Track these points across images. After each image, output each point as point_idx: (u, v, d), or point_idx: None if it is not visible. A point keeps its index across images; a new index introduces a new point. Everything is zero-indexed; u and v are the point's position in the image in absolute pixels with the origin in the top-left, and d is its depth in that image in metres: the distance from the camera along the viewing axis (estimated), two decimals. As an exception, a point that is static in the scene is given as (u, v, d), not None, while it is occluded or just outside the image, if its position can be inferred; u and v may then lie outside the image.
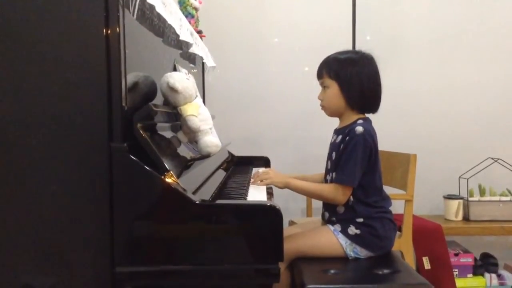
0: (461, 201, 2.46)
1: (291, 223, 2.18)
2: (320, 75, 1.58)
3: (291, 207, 2.49)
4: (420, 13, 2.62)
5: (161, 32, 1.36)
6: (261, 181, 1.55)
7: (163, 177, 1.01)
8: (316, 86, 1.63)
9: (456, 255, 2.35)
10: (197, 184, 1.24)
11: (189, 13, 1.73)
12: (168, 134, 1.24)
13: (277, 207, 1.04)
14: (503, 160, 2.49)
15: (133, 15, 1.08)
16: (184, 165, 1.20)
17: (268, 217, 1.04)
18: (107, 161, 1.00)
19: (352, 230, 1.48)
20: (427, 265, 2.22)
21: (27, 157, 1.01)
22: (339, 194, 1.47)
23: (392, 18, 2.62)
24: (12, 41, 1.00)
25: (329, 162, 1.62)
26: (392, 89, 2.41)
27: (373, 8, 2.62)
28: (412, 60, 2.63)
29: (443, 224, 2.31)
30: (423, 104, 2.63)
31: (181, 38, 1.36)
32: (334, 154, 1.57)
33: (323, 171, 1.73)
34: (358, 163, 1.45)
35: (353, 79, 1.50)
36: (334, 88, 1.53)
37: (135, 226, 1.01)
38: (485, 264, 2.44)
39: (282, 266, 1.38)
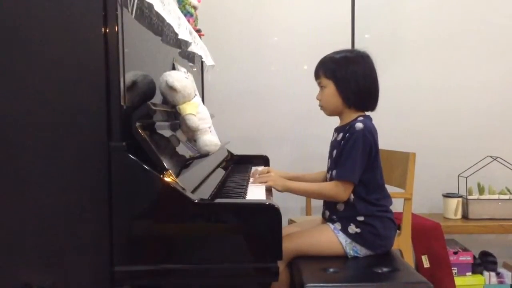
0: (460, 199, 2.46)
1: (291, 222, 2.19)
2: (317, 76, 1.59)
3: (290, 206, 2.49)
4: (419, 11, 2.62)
5: (160, 31, 1.36)
6: (261, 182, 1.55)
7: (162, 176, 1.00)
8: (315, 85, 1.63)
9: (455, 253, 2.35)
10: (196, 183, 1.24)
11: (188, 12, 1.72)
12: (167, 133, 1.23)
13: (276, 206, 1.04)
14: (502, 159, 2.49)
15: (131, 14, 1.08)
16: (183, 164, 1.20)
17: (267, 216, 1.04)
18: (106, 160, 1.00)
19: (352, 228, 1.48)
20: (426, 264, 2.22)
21: (26, 156, 1.01)
22: (340, 190, 1.47)
23: (391, 17, 2.62)
24: (10, 40, 1.00)
25: (329, 161, 1.62)
26: (391, 88, 2.43)
27: (372, 7, 2.62)
28: (411, 58, 2.63)
29: (442, 222, 2.31)
30: (422, 103, 2.63)
31: (180, 37, 1.36)
32: (335, 152, 1.57)
33: (322, 169, 1.73)
34: (358, 159, 1.46)
35: (349, 77, 1.51)
36: (330, 87, 1.54)
37: (134, 225, 1.01)
38: (484, 262, 2.44)
39: (281, 265, 1.38)
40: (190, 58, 1.87)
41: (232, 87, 2.59)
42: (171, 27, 1.30)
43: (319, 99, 1.60)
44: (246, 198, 1.32)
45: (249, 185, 1.53)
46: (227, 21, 2.57)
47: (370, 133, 1.48)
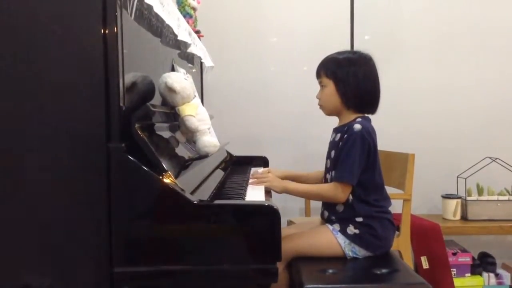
0: (459, 200, 2.46)
1: (290, 223, 2.19)
2: (318, 75, 1.60)
3: (289, 207, 2.49)
4: (418, 12, 2.63)
5: (159, 32, 1.36)
6: (259, 183, 1.55)
7: (161, 177, 1.00)
8: (314, 86, 1.63)
9: (454, 254, 2.35)
10: (195, 184, 1.24)
11: (187, 13, 1.72)
12: (166, 134, 1.23)
13: (275, 207, 1.04)
14: (501, 160, 2.50)
15: (131, 15, 1.08)
16: (182, 165, 1.20)
17: (266, 217, 1.04)
18: (105, 161, 0.99)
19: (351, 229, 1.49)
20: (425, 265, 2.22)
21: (25, 157, 1.01)
22: (339, 192, 1.48)
23: (390, 18, 2.63)
24: (9, 40, 1.00)
25: (328, 161, 1.62)
26: (390, 89, 2.42)
27: (371, 8, 2.62)
28: (410, 59, 2.63)
29: (441, 223, 2.32)
30: (421, 104, 2.63)
31: (179, 38, 1.36)
32: (333, 152, 1.57)
33: (321, 170, 1.73)
34: (356, 160, 1.46)
35: (350, 78, 1.52)
36: (330, 87, 1.55)
37: (133, 226, 1.01)
38: (483, 263, 2.45)
39: (280, 266, 1.38)
40: (190, 59, 1.87)
41: (231, 88, 2.59)
42: (171, 28, 1.30)
43: (319, 98, 1.61)
44: (246, 199, 1.32)
45: (248, 186, 1.53)
46: (226, 22, 2.57)
47: (368, 134, 1.48)
